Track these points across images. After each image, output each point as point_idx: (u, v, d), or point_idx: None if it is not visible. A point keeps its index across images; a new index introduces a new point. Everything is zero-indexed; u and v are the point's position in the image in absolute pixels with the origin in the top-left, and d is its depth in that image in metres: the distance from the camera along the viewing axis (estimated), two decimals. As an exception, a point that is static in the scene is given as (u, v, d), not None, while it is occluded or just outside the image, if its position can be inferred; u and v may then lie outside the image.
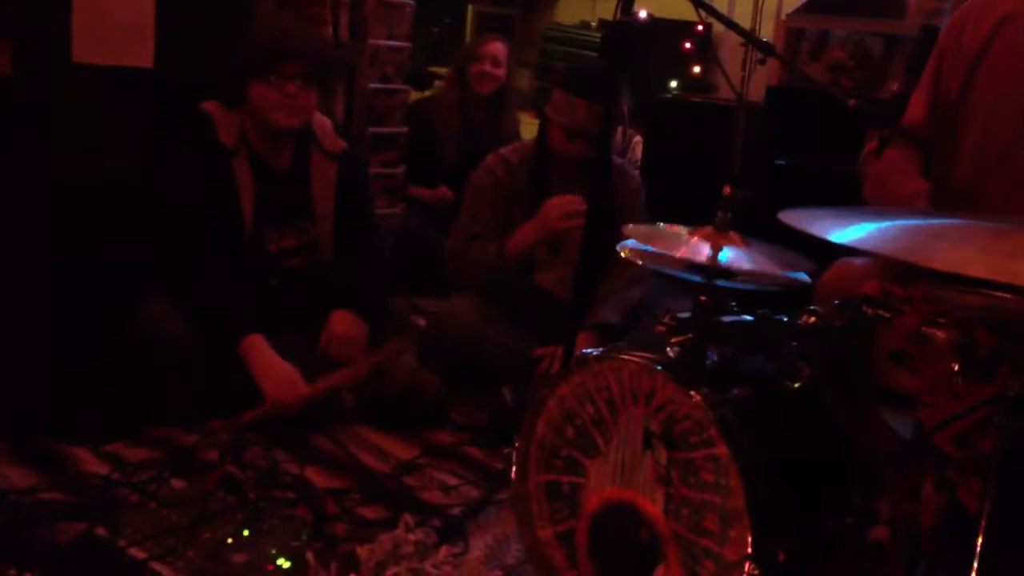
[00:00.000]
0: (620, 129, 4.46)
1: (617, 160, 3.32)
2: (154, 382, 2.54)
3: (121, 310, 2.54)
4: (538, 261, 3.05)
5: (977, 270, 1.32)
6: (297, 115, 2.70)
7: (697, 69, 4.80)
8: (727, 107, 4.02)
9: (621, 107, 3.11)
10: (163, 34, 2.91)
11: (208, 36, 2.96)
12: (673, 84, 4.82)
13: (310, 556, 1.85)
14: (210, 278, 2.59)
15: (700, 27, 4.48)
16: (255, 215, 2.71)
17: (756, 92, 4.03)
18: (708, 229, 1.88)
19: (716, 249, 1.82)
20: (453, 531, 2.18)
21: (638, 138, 4.49)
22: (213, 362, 2.54)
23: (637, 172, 3.70)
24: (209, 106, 2.74)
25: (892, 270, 2.02)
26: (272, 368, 2.55)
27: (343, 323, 2.74)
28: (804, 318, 1.85)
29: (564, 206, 2.87)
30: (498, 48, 4.14)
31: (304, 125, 2.75)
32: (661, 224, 2.06)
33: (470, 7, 5.95)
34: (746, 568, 1.61)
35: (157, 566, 1.82)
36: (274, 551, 1.86)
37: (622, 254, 1.99)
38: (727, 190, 1.88)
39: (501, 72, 4.14)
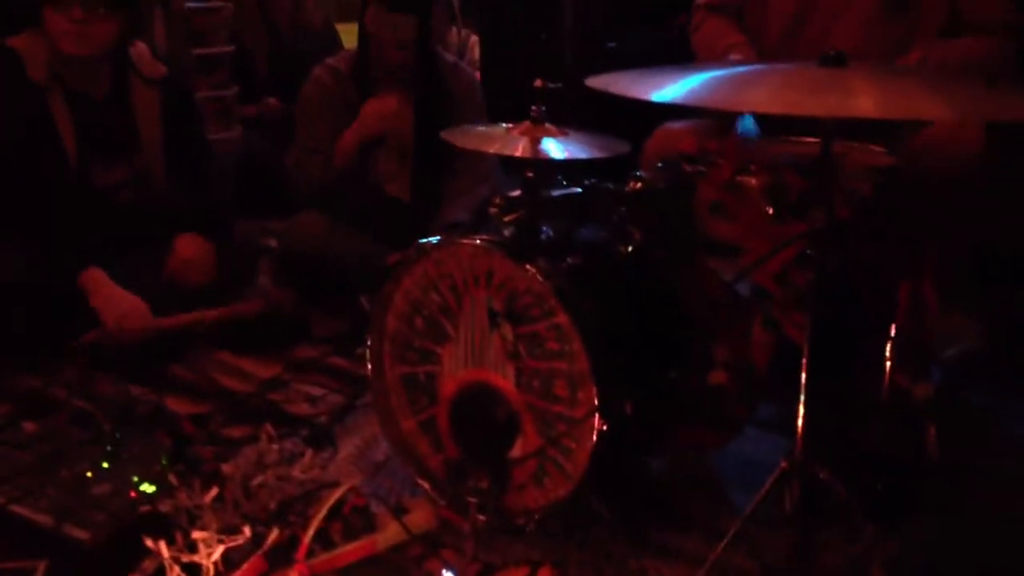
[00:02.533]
0: (454, 29, 4.45)
1: (450, 59, 3.30)
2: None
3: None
4: (388, 171, 3.04)
5: (775, 107, 1.38)
6: (88, 43, 2.55)
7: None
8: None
9: (439, 9, 3.09)
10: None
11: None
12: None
13: (173, 478, 1.84)
14: (38, 217, 2.51)
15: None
16: (77, 150, 2.61)
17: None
18: (526, 123, 1.93)
19: (534, 141, 1.87)
20: (320, 437, 2.20)
21: (474, 38, 4.47)
22: (53, 298, 2.46)
23: (475, 72, 3.71)
24: (16, 42, 2.60)
25: (709, 128, 2.11)
26: (113, 299, 2.50)
27: (188, 246, 2.69)
28: (630, 184, 1.92)
29: (380, 108, 2.88)
30: None
31: (108, 53, 2.63)
32: (478, 128, 2.14)
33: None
34: (595, 423, 1.69)
35: (18, 508, 1.78)
36: (136, 478, 1.85)
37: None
38: (538, 83, 1.92)
39: None
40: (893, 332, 1.75)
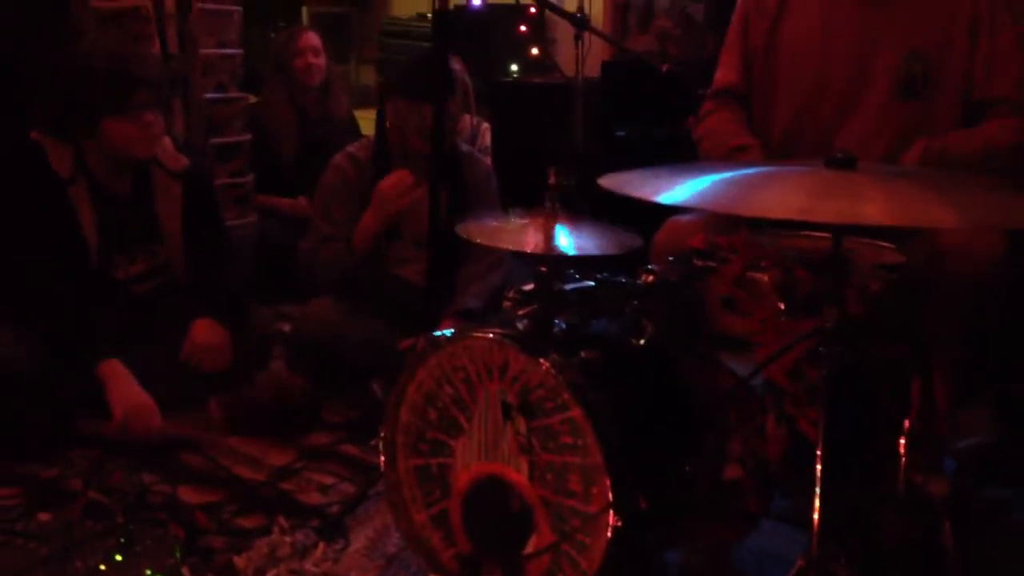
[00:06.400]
0: (468, 117, 4.53)
1: (465, 148, 3.36)
2: (6, 417, 2.46)
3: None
4: (399, 255, 3.08)
5: (784, 213, 1.41)
6: (155, 143, 2.68)
7: (535, 51, 4.89)
8: (566, 85, 4.10)
9: (456, 97, 3.16)
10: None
11: (28, 61, 2.88)
12: (513, 67, 4.90)
13: (186, 572, 1.83)
14: (58, 308, 2.54)
15: (533, 9, 4.57)
16: (99, 243, 2.66)
17: (593, 68, 4.13)
18: (540, 217, 1.96)
19: (548, 237, 1.90)
20: (332, 529, 2.19)
21: (486, 125, 4.54)
22: (68, 391, 2.48)
23: (488, 159, 3.77)
24: (36, 136, 2.66)
25: (718, 222, 2.14)
26: (128, 397, 2.52)
27: (204, 331, 2.72)
28: (643, 277, 1.94)
29: (395, 184, 2.92)
30: (312, 37, 4.15)
31: None
32: (492, 221, 2.15)
33: (304, 8, 5.91)
34: (610, 519, 1.68)
35: (28, 603, 1.79)
36: (149, 572, 1.85)
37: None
38: (552, 177, 1.96)
39: (323, 60, 4.14)
40: (906, 427, 1.76)
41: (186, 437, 2.62)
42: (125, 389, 2.52)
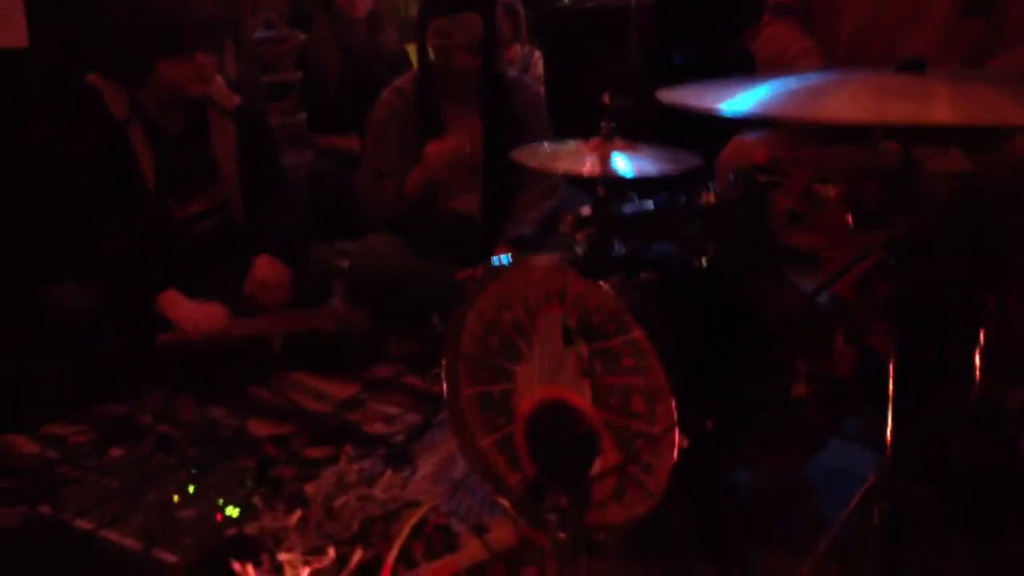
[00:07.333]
0: (519, 46, 4.46)
1: (514, 75, 3.32)
2: (74, 363, 2.51)
3: (25, 296, 2.51)
4: (458, 189, 3.06)
5: (852, 116, 1.36)
6: (209, 81, 2.69)
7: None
8: (620, 8, 4.01)
9: (505, 18, 3.11)
10: (34, 12, 2.83)
11: (81, 9, 2.89)
12: (565, -7, 4.79)
13: (258, 501, 1.87)
14: (118, 250, 2.57)
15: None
16: (157, 183, 2.68)
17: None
18: (596, 140, 1.92)
19: (604, 159, 1.86)
20: (399, 457, 2.22)
21: (538, 54, 4.47)
22: (132, 334, 2.52)
23: (540, 87, 3.72)
24: (93, 79, 2.68)
25: (783, 138, 2.08)
26: (189, 309, 2.58)
27: (266, 268, 2.74)
28: (703, 197, 1.90)
29: (442, 154, 2.92)
30: None
31: None
32: (546, 146, 2.12)
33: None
34: (675, 439, 1.67)
35: (107, 533, 1.82)
36: (221, 501, 1.88)
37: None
38: (606, 98, 1.92)
39: None
40: (980, 342, 1.70)
41: (257, 334, 2.66)
42: (187, 306, 2.58)
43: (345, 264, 3.22)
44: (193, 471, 1.97)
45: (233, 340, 2.62)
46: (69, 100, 2.69)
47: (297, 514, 1.80)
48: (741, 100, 1.46)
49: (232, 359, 2.61)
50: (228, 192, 2.81)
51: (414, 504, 1.82)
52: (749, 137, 2.22)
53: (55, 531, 1.84)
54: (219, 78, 2.86)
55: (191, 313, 2.59)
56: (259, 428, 2.37)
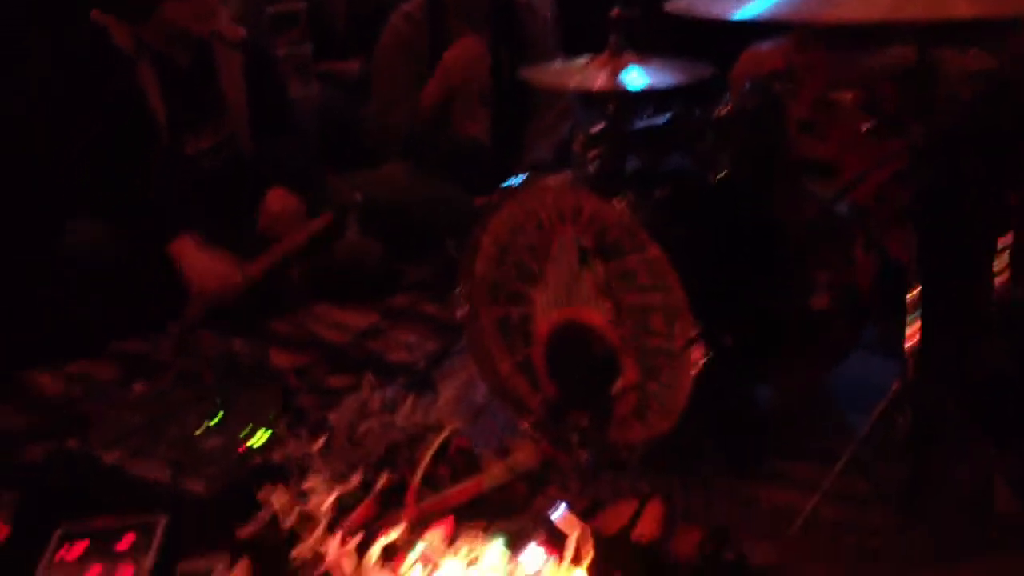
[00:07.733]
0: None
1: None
2: (96, 305, 2.52)
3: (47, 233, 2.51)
4: (468, 115, 3.03)
5: (867, 15, 1.32)
6: (212, 17, 2.65)
7: None
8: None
9: None
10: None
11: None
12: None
13: (281, 429, 1.88)
14: (129, 187, 2.55)
15: None
16: (168, 118, 2.65)
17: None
18: (605, 55, 1.88)
19: (614, 73, 1.83)
20: (420, 383, 2.22)
21: (547, -26, 4.37)
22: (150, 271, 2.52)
23: (547, 7, 3.64)
24: (96, 14, 2.64)
25: (799, 46, 2.03)
26: (199, 264, 2.53)
27: (278, 200, 2.72)
28: (718, 109, 1.86)
29: (460, 56, 2.86)
30: None
31: None
32: (556, 63, 2.10)
33: None
34: (694, 356, 1.66)
35: (132, 465, 1.84)
36: (245, 431, 1.89)
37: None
38: (615, 12, 1.87)
39: None
40: (1003, 244, 1.68)
41: (269, 269, 2.65)
42: (197, 258, 2.53)
43: (358, 196, 3.21)
44: (217, 402, 1.98)
45: (251, 283, 2.60)
46: (77, 36, 2.66)
47: (321, 441, 1.81)
48: (752, 5, 1.42)
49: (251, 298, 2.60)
50: (236, 125, 2.78)
51: (437, 428, 1.82)
52: (763, 46, 2.17)
53: (82, 463, 1.86)
54: (224, 10, 2.82)
55: (201, 268, 2.53)
56: (280, 359, 2.38)
